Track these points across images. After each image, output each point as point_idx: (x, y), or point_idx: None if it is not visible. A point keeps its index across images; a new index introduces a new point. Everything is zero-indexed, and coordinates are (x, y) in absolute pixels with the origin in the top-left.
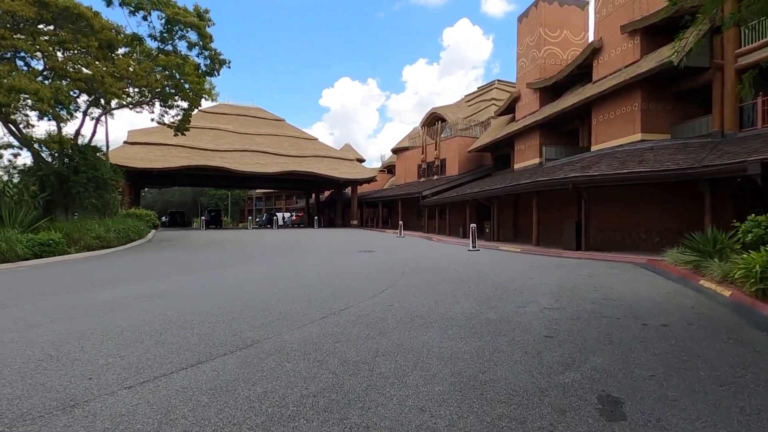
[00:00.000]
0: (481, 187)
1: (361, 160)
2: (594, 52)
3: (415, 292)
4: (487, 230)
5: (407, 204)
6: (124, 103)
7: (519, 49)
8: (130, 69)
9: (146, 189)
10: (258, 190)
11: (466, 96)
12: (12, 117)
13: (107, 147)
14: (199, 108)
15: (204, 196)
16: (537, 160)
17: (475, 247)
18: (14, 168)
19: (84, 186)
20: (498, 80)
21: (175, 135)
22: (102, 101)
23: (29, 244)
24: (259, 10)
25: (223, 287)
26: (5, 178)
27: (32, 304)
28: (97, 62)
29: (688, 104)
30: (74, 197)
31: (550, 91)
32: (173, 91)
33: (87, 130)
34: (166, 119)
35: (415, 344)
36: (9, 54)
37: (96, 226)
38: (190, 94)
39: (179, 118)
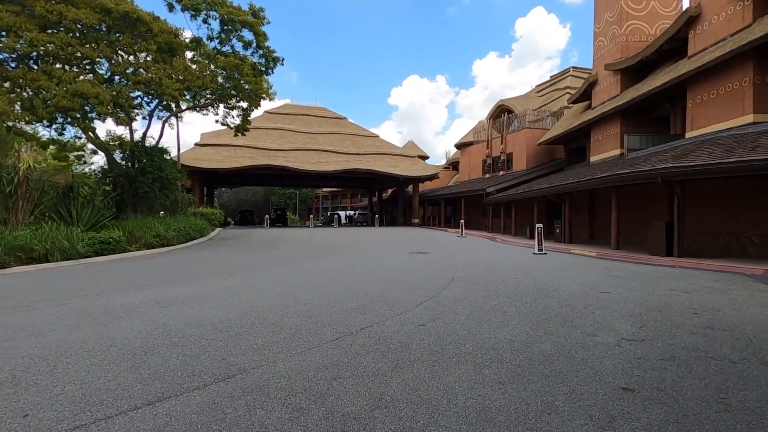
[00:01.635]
0: (551, 183)
1: (425, 157)
2: (690, 21)
3: (457, 307)
4: (557, 231)
5: (471, 202)
6: (188, 105)
7: (596, 27)
8: (186, 70)
9: (222, 189)
10: (324, 189)
11: (536, 86)
12: (86, 122)
13: (178, 149)
14: (265, 110)
15: (274, 195)
16: (617, 152)
17: (542, 250)
18: (92, 170)
19: (149, 186)
20: (573, 67)
21: (235, 135)
22: (166, 104)
23: (90, 242)
24: (327, 10)
25: (246, 293)
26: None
27: (55, 307)
28: (156, 65)
29: None
30: (141, 197)
31: (633, 72)
32: (233, 92)
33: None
34: (229, 121)
35: (435, 389)
36: (76, 60)
37: (156, 224)
38: (249, 94)
39: (240, 119)
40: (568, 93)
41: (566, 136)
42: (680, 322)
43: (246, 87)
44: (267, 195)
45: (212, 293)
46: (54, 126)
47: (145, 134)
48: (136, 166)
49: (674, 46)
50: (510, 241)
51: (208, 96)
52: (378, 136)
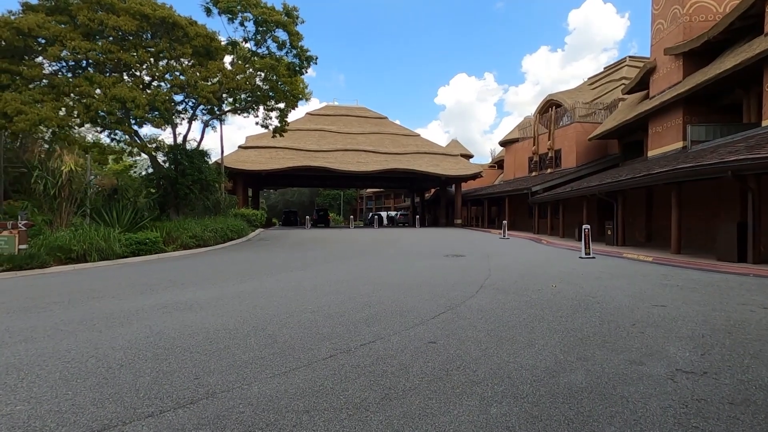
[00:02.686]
0: (602, 180)
1: (468, 156)
2: None
3: (479, 321)
4: (609, 232)
5: (516, 201)
6: (230, 108)
7: (654, 9)
8: (221, 72)
9: (270, 190)
10: (368, 190)
11: (589, 79)
12: (126, 125)
13: (222, 151)
14: (307, 112)
15: (319, 196)
16: (679, 144)
17: (589, 253)
18: (138, 173)
19: (189, 188)
20: (630, 57)
21: (273, 136)
22: (210, 107)
23: (127, 242)
24: (373, 11)
25: (257, 299)
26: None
27: (65, 310)
28: (192, 68)
29: None
30: (182, 198)
31: (698, 56)
32: (271, 93)
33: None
34: (269, 122)
35: None
36: (114, 66)
37: (193, 225)
38: (286, 94)
39: (278, 120)
40: (623, 84)
41: (620, 130)
42: (757, 348)
43: (282, 88)
44: (312, 196)
45: (224, 297)
46: (105, 130)
47: (185, 137)
48: (177, 168)
49: (747, 23)
50: (556, 243)
51: (247, 98)
52: (419, 135)
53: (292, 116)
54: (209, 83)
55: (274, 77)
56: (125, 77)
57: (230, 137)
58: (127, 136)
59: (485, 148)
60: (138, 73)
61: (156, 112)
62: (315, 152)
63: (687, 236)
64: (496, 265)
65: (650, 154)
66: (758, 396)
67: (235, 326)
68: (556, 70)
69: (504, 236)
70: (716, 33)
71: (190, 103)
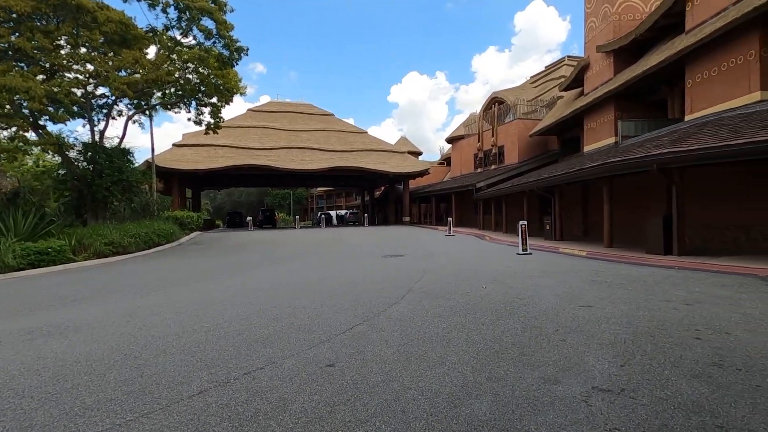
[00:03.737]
0: (540, 176)
1: (417, 153)
2: None
3: (393, 334)
4: (548, 227)
5: (462, 198)
6: (158, 102)
7: (587, 7)
8: (137, 63)
9: (216, 191)
10: (318, 189)
11: (531, 77)
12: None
13: (152, 149)
14: (248, 108)
15: (268, 196)
16: (612, 140)
17: (526, 249)
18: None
19: (108, 190)
20: (569, 56)
21: (206, 133)
22: (137, 102)
23: (24, 253)
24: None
25: (149, 317)
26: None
27: None
28: (103, 57)
29: None
30: (100, 201)
31: (627, 54)
32: (202, 87)
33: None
34: (203, 118)
35: None
36: (5, 53)
37: (110, 231)
38: (218, 88)
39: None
40: (562, 82)
41: (558, 126)
42: (678, 354)
43: (214, 81)
44: (261, 196)
45: (112, 316)
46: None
47: (103, 133)
48: (94, 168)
49: (671, 22)
50: (499, 239)
51: (177, 92)
52: (366, 133)
53: (232, 112)
54: (125, 74)
55: (205, 70)
56: (24, 67)
57: (176, 136)
58: (32, 133)
59: (437, 146)
60: (42, 63)
61: (58, 105)
62: (257, 150)
63: (620, 230)
64: (433, 265)
65: (586, 149)
66: (676, 419)
67: (102, 355)
68: (504, 70)
69: (449, 233)
70: (643, 31)
71: (113, 97)
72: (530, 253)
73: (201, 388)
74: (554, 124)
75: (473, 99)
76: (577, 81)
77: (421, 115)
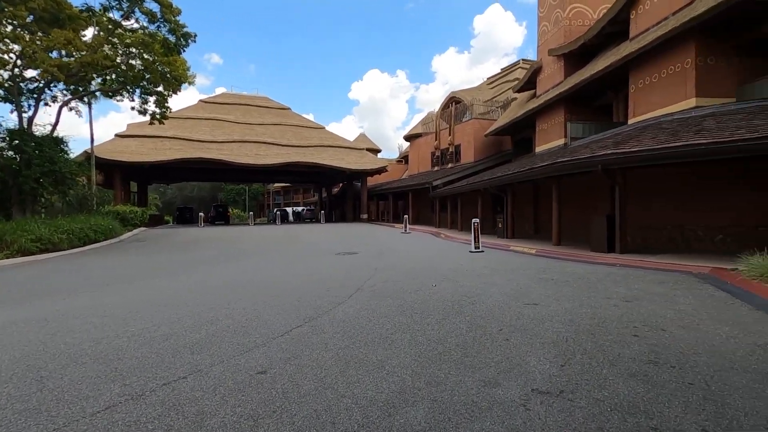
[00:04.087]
0: (493, 175)
1: (376, 150)
2: (631, 0)
3: (334, 337)
4: (500, 225)
5: (419, 196)
6: (96, 88)
7: (540, 11)
8: (70, 44)
9: (166, 185)
10: (276, 185)
11: (488, 79)
12: None
13: (92, 139)
14: (200, 99)
15: (222, 192)
16: (562, 141)
17: (479, 247)
18: None
19: (37, 181)
20: (523, 60)
21: (151, 123)
22: (74, 88)
23: None
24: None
25: (71, 321)
26: None
27: None
28: (31, 36)
29: (761, 57)
30: (28, 194)
31: (577, 58)
32: (148, 75)
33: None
34: (148, 107)
35: None
36: None
37: (37, 226)
38: (165, 76)
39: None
40: (517, 84)
41: (512, 127)
42: (616, 352)
43: (161, 69)
44: (215, 191)
45: (23, 321)
46: None
47: (32, 120)
48: (21, 158)
49: (617, 29)
50: (453, 237)
51: (119, 78)
52: (324, 128)
53: (182, 102)
54: (56, 56)
55: (151, 56)
56: None
57: (125, 126)
58: None
59: (397, 144)
60: None
61: None
62: (208, 143)
63: (569, 228)
64: (386, 263)
65: (538, 149)
66: (612, 421)
67: (2, 367)
68: (464, 71)
69: (405, 231)
70: (591, 36)
71: (43, 81)
72: (482, 251)
73: (109, 402)
74: (508, 124)
75: (433, 98)
76: (530, 83)
77: (381, 113)
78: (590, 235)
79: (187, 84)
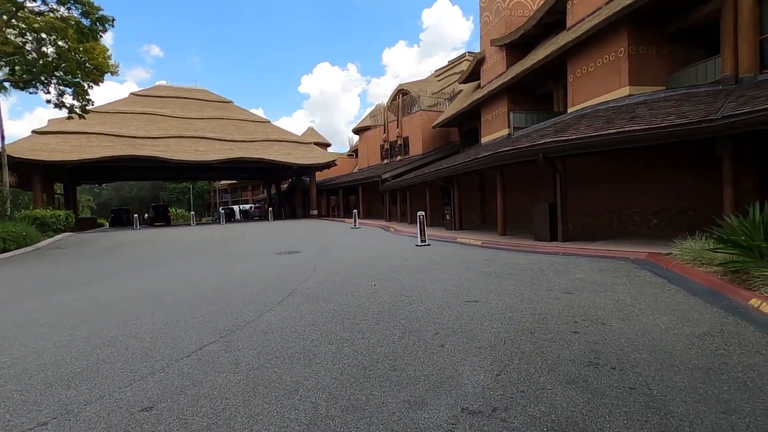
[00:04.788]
0: (440, 167)
1: (326, 145)
2: None
3: (249, 354)
4: (447, 217)
5: (369, 189)
6: (2, 77)
7: (482, 1)
8: None
9: (102, 185)
10: (222, 182)
11: (436, 71)
12: None
13: (2, 137)
14: (131, 92)
15: (164, 191)
16: (506, 132)
17: (425, 241)
18: None
19: None
20: (468, 52)
21: (69, 118)
22: None
23: None
24: None
25: None
26: None
27: None
28: None
29: (689, 46)
30: None
31: (518, 48)
32: (62, 63)
33: None
34: (68, 101)
35: None
36: None
37: None
38: (85, 65)
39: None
40: (461, 75)
41: (458, 118)
42: (556, 354)
43: (78, 57)
44: (156, 191)
45: None
46: None
47: None
48: None
49: (555, 18)
50: (402, 230)
51: (27, 68)
52: (269, 122)
53: (110, 96)
54: None
55: (65, 43)
56: None
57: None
58: None
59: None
60: None
61: None
62: (141, 139)
63: (514, 218)
64: (327, 261)
65: (483, 140)
66: None
67: None
68: (414, 65)
69: (355, 226)
70: (530, 27)
71: None
72: (428, 245)
73: None
74: (455, 115)
75: (385, 92)
76: (474, 74)
77: (333, 107)
78: (534, 223)
79: (110, 74)
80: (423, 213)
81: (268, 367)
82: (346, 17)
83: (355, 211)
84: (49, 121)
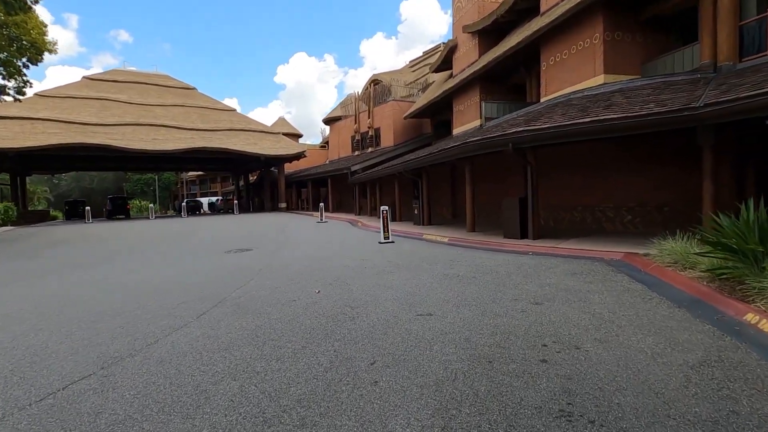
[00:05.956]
0: (408, 158)
1: (297, 136)
2: None
3: (123, 396)
4: (416, 211)
5: (339, 182)
6: None
7: None
8: None
9: (61, 176)
10: (190, 174)
11: (410, 62)
12: None
13: None
14: (84, 75)
15: (128, 182)
16: (478, 122)
17: (388, 237)
18: None
19: None
20: (444, 43)
21: (15, 100)
22: None
23: None
24: None
25: None
26: None
27: None
28: None
29: (665, 33)
30: None
31: (491, 35)
32: None
33: None
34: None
35: None
36: None
37: None
38: (16, 42)
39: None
40: (433, 64)
41: (431, 108)
42: (518, 397)
43: (8, 33)
44: (119, 182)
45: None
46: None
47: None
48: None
49: (529, 4)
50: (370, 225)
51: None
52: (235, 110)
53: (62, 79)
54: None
55: None
56: None
57: None
58: None
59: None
60: None
61: None
62: (94, 126)
63: (485, 212)
64: (277, 262)
65: (455, 131)
66: None
67: None
68: (392, 57)
69: (321, 220)
70: (503, 12)
71: None
72: (392, 242)
73: None
74: (426, 105)
75: (362, 83)
76: (446, 62)
77: (309, 98)
78: (503, 219)
79: (48, 52)
80: (387, 208)
81: (138, 420)
82: (323, 7)
83: (321, 204)
84: None
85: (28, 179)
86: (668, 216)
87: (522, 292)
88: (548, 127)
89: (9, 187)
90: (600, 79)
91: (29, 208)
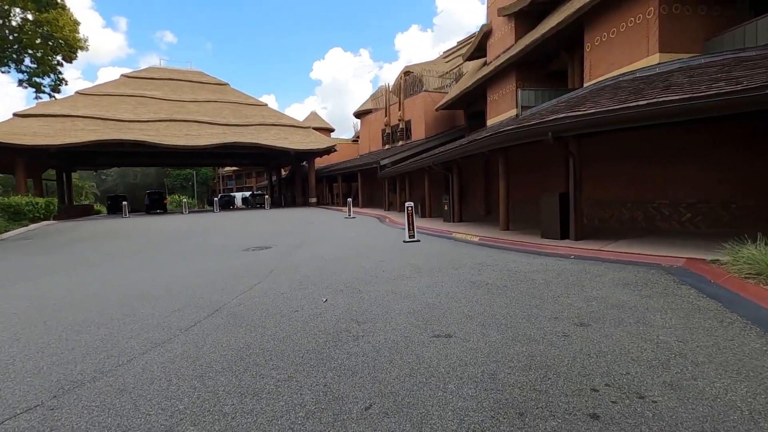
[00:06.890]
0: (437, 152)
1: (329, 130)
2: None
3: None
4: (446, 207)
5: (369, 176)
6: None
7: None
8: None
9: (105, 171)
10: (226, 169)
11: (444, 52)
12: None
13: None
14: (122, 73)
15: (168, 177)
16: (514, 112)
17: (413, 236)
18: None
19: None
20: (477, 32)
21: (36, 98)
22: None
23: None
24: None
25: None
26: None
27: None
28: None
29: (728, 5)
30: None
31: (529, 17)
32: (24, 38)
33: None
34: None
35: None
36: None
37: None
38: (51, 39)
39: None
40: (466, 52)
41: (463, 99)
42: None
43: (41, 30)
44: (161, 177)
45: None
46: None
47: None
48: None
49: None
50: (398, 222)
51: None
52: (266, 105)
53: (102, 77)
54: None
55: (23, 13)
56: None
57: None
58: None
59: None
60: None
61: None
62: (129, 123)
63: (521, 209)
64: (289, 263)
65: (489, 122)
66: None
67: None
68: (427, 50)
69: (349, 216)
70: None
71: None
72: (417, 240)
73: None
74: (459, 96)
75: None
76: (480, 49)
77: (344, 93)
78: (541, 217)
79: (80, 49)
80: (411, 204)
81: None
82: (359, 3)
83: (349, 200)
84: (37, 103)
85: (76, 175)
86: (736, 215)
87: (563, 308)
88: (595, 113)
89: (56, 182)
90: (654, 58)
91: (74, 203)
